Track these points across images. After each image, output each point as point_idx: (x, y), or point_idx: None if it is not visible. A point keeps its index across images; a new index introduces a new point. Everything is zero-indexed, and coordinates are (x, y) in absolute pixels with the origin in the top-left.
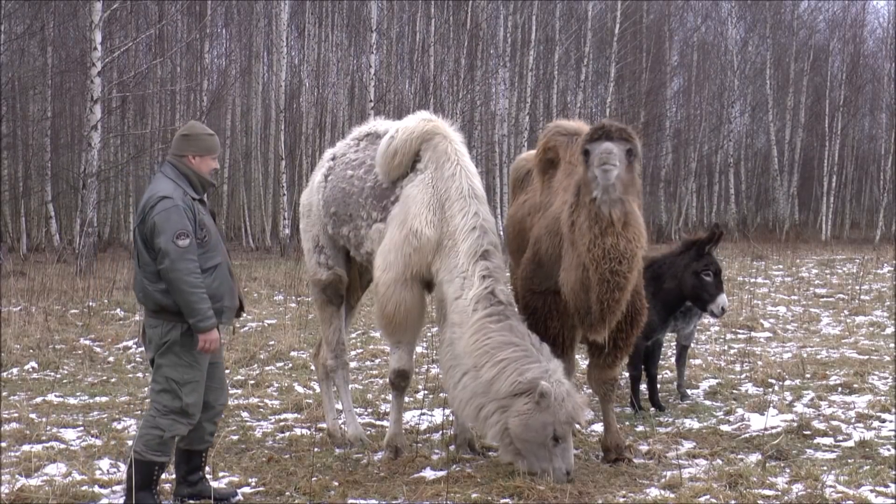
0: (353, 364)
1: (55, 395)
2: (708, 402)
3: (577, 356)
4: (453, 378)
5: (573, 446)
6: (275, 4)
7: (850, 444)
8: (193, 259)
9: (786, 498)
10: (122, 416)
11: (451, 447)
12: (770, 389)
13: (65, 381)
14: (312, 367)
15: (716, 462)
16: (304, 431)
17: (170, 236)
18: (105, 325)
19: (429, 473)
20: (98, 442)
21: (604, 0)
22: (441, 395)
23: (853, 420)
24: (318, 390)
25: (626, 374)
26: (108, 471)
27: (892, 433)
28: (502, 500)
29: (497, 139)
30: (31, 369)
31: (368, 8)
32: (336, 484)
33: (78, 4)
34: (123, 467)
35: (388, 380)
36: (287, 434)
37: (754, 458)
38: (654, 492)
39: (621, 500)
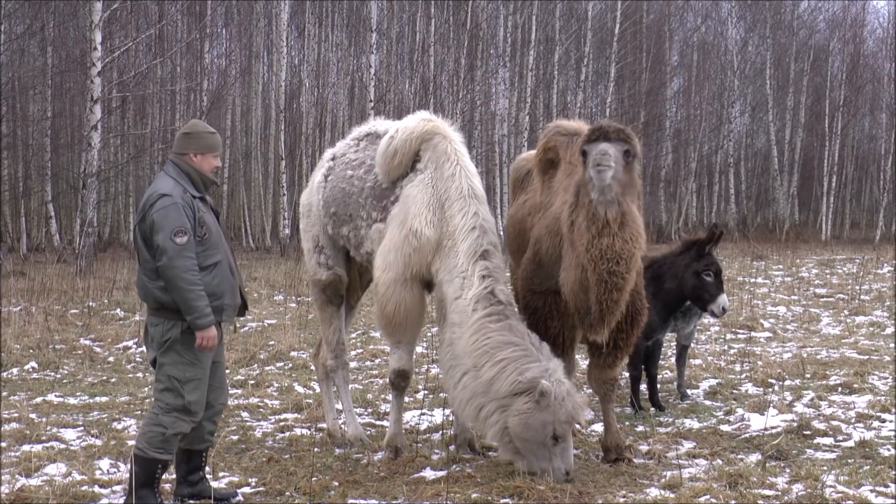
0: (353, 364)
1: (55, 395)
2: (708, 402)
3: (577, 356)
4: (453, 378)
5: (573, 446)
6: (275, 4)
7: (850, 444)
8: (191, 256)
9: (786, 498)
10: (122, 416)
11: (451, 447)
12: (770, 389)
13: (65, 381)
14: (312, 367)
15: (716, 462)
16: (304, 431)
17: (168, 233)
18: (105, 325)
19: (429, 473)
20: (98, 442)
21: (604, 0)
22: (441, 395)
23: (853, 420)
24: (318, 390)
25: (626, 374)
26: (108, 471)
27: (892, 433)
28: (502, 500)
29: (497, 139)
30: (31, 369)
31: (368, 8)
32: (336, 484)
33: (78, 4)
34: (123, 467)
35: (388, 380)
36: (287, 434)
37: (754, 458)
38: (654, 492)
39: (621, 500)
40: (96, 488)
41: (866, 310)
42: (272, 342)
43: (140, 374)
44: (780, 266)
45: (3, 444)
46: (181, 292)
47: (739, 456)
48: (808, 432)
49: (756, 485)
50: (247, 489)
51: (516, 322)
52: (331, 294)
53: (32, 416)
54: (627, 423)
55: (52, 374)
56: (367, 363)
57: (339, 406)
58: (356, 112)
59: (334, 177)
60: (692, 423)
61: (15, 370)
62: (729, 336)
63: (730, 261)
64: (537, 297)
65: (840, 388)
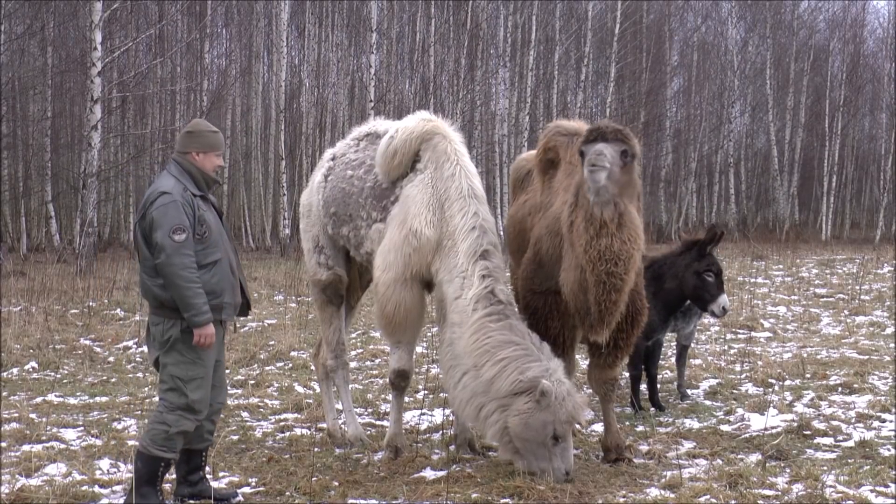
0: (353, 364)
1: (55, 395)
2: (708, 402)
3: (577, 356)
4: (453, 378)
5: (573, 446)
6: (275, 4)
7: (851, 444)
8: (189, 254)
9: (786, 498)
10: (122, 416)
11: (452, 447)
12: (770, 389)
13: (65, 381)
14: (312, 367)
15: (716, 462)
16: (305, 431)
17: (166, 231)
18: (105, 325)
19: (429, 473)
20: (98, 442)
21: (604, 0)
22: (441, 395)
23: (853, 420)
24: (318, 390)
25: (627, 374)
26: (108, 471)
27: (892, 433)
28: (502, 500)
29: (497, 139)
30: (31, 369)
31: (368, 8)
32: (336, 484)
33: (78, 4)
34: (124, 467)
35: (388, 380)
36: (287, 434)
37: (754, 458)
38: (654, 492)
39: (621, 500)
40: (96, 488)
41: (866, 310)
42: (272, 342)
43: (140, 374)
44: (781, 266)
45: (4, 444)
46: (179, 289)
47: (739, 456)
48: (808, 432)
49: (756, 485)
50: (247, 489)
51: (516, 322)
52: (331, 294)
53: (32, 416)
54: (627, 423)
55: (53, 374)
56: (368, 363)
57: (339, 406)
58: (356, 112)
59: (334, 177)
60: (692, 423)
61: (15, 370)
62: (729, 336)
63: (730, 261)
64: (537, 297)
65: (840, 388)
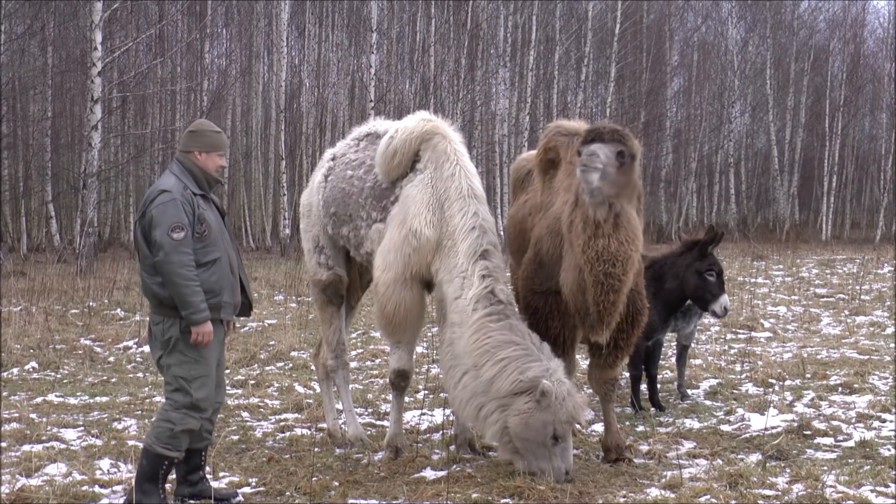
0: (353, 364)
1: (55, 395)
2: (708, 402)
3: (577, 356)
4: (453, 378)
5: (573, 446)
6: (275, 4)
7: (851, 444)
8: (187, 252)
9: (786, 498)
10: (122, 416)
11: (452, 447)
12: (770, 389)
13: (65, 381)
14: (313, 367)
15: (716, 462)
16: (305, 431)
17: (165, 229)
18: (105, 325)
19: (429, 473)
20: (98, 442)
21: (604, 0)
22: (441, 395)
23: (853, 420)
24: (318, 390)
25: (627, 374)
26: (108, 471)
27: (893, 433)
28: (503, 500)
29: (497, 139)
30: (31, 369)
31: (369, 8)
32: (336, 484)
33: (78, 4)
34: (124, 467)
35: (388, 380)
36: (287, 434)
37: (754, 458)
38: (654, 492)
39: (622, 500)
40: (97, 488)
41: (866, 310)
42: (272, 342)
43: (140, 374)
44: (781, 266)
45: (4, 444)
46: (176, 287)
47: (740, 456)
48: (808, 432)
49: (756, 485)
50: (247, 489)
51: (516, 321)
52: (331, 294)
53: (33, 416)
54: (628, 423)
55: (53, 374)
56: (368, 363)
57: (340, 406)
58: (356, 112)
59: (334, 177)
60: (692, 423)
61: (15, 370)
62: (729, 336)
63: (730, 261)
64: (538, 297)
65: (840, 388)
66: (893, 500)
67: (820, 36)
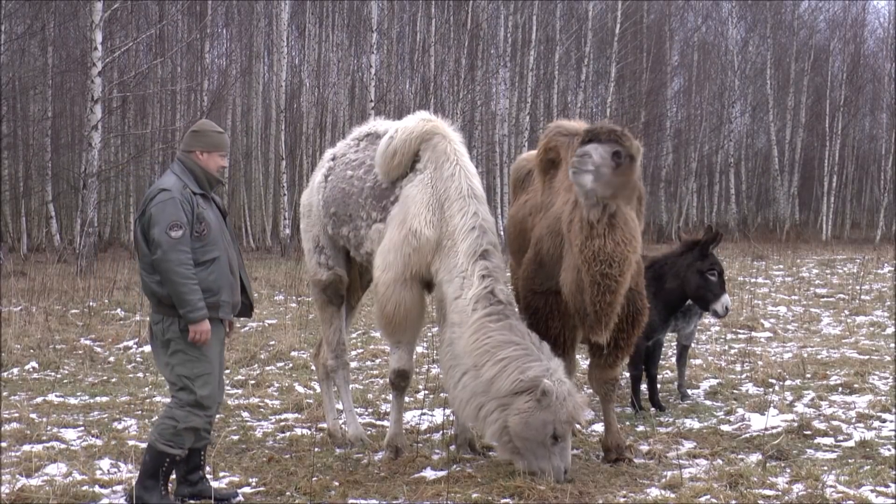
0: (353, 364)
1: (55, 395)
2: (708, 402)
3: (577, 356)
4: (453, 378)
5: (572, 446)
6: (275, 4)
7: (851, 444)
8: (185, 251)
9: (786, 498)
10: (122, 416)
11: (452, 447)
12: (770, 389)
13: (65, 381)
14: (313, 367)
15: (716, 462)
16: (305, 431)
17: (163, 227)
18: (105, 325)
19: (429, 473)
20: (98, 442)
21: (604, 0)
22: (441, 395)
23: (853, 420)
24: (318, 390)
25: (627, 374)
26: (108, 471)
27: (893, 433)
28: (503, 500)
29: (497, 139)
30: (31, 369)
31: (369, 8)
32: (336, 484)
33: (78, 4)
34: (124, 467)
35: (388, 380)
36: (287, 434)
37: (755, 458)
38: (654, 492)
39: (622, 500)
40: (97, 488)
41: (867, 310)
42: (272, 342)
43: (140, 374)
44: (781, 266)
45: (4, 444)
46: (174, 285)
47: (740, 456)
48: (808, 432)
49: (756, 485)
50: (247, 489)
51: (516, 321)
52: (331, 294)
53: (33, 416)
54: (628, 423)
55: (53, 374)
56: (368, 363)
57: (340, 406)
58: (356, 112)
59: (334, 177)
60: (692, 423)
61: (15, 370)
62: (729, 336)
63: (730, 261)
64: (538, 297)
65: (840, 388)
66: (893, 500)
67: (820, 36)
